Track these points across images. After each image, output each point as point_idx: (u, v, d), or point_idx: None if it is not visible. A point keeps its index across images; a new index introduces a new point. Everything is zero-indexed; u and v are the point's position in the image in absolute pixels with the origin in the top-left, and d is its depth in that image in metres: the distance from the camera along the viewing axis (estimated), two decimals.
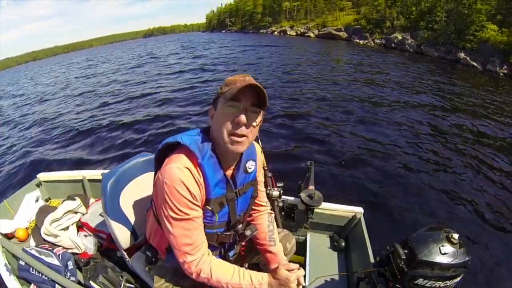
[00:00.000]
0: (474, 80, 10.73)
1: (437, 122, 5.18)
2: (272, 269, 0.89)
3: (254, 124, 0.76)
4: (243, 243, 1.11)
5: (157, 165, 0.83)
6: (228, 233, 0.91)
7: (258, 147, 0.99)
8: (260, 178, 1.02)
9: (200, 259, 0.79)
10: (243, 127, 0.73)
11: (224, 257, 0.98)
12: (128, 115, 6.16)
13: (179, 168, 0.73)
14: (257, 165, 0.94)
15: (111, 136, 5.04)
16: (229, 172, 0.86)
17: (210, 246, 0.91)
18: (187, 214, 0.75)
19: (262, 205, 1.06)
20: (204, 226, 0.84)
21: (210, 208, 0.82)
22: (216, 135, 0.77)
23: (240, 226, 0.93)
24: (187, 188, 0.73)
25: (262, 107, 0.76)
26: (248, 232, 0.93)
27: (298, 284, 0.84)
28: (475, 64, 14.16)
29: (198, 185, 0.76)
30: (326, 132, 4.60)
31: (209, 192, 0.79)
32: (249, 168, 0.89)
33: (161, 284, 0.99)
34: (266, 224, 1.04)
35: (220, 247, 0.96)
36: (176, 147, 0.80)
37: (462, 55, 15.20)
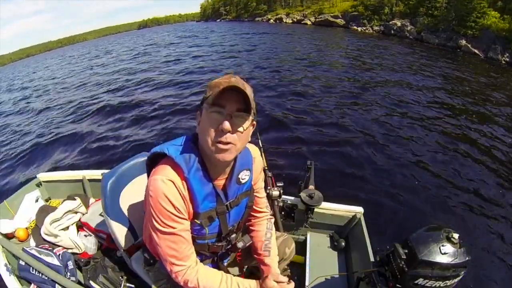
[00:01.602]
0: (476, 68, 10.57)
1: (438, 119, 5.14)
2: (263, 278, 0.89)
3: (241, 129, 0.71)
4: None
5: (148, 171, 0.82)
6: (220, 244, 0.90)
7: (256, 151, 0.94)
8: (259, 184, 0.98)
9: (187, 269, 0.78)
10: (228, 134, 0.69)
11: (217, 265, 0.97)
12: (130, 114, 6.14)
13: (162, 180, 0.71)
14: (253, 173, 0.89)
15: (112, 135, 5.03)
16: (220, 183, 0.82)
17: (203, 255, 0.90)
18: (172, 227, 0.74)
19: (261, 211, 1.03)
20: (195, 237, 0.82)
21: (198, 222, 0.80)
22: (201, 143, 0.74)
23: (233, 235, 0.92)
24: (171, 202, 0.71)
25: (248, 112, 0.71)
26: (240, 244, 0.91)
27: None
28: (476, 51, 13.95)
29: (183, 199, 0.74)
30: (326, 131, 4.59)
31: (197, 206, 0.77)
32: (243, 179, 0.85)
33: (159, 286, 0.99)
34: (263, 231, 1.01)
35: (212, 256, 0.94)
36: (164, 156, 0.77)
37: (463, 42, 15.01)
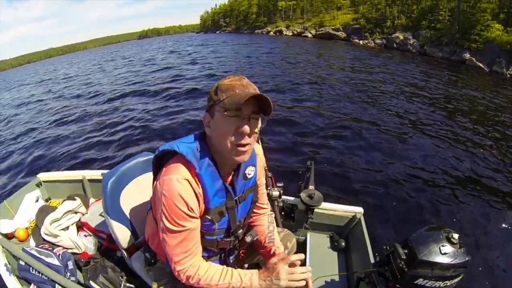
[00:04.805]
0: (481, 82, 10.45)
1: (440, 125, 5.16)
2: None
3: (256, 130, 0.75)
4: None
5: (155, 169, 0.83)
6: (228, 239, 0.91)
7: (259, 148, 0.97)
8: (261, 180, 1.01)
9: (189, 267, 0.79)
10: (246, 137, 0.71)
11: (224, 261, 0.98)
12: (131, 113, 6.15)
13: (178, 180, 0.71)
14: (257, 169, 0.92)
15: (113, 135, 5.04)
16: (227, 179, 0.84)
17: (210, 252, 0.91)
18: (183, 226, 0.74)
19: (262, 207, 1.05)
20: (204, 233, 0.83)
21: (209, 218, 0.81)
22: (218, 146, 0.75)
23: (240, 231, 0.93)
24: (185, 202, 0.72)
25: (266, 114, 0.73)
26: (248, 238, 0.93)
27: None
28: (481, 65, 13.73)
29: (197, 197, 0.75)
30: (326, 132, 4.60)
31: (208, 201, 0.78)
32: (249, 174, 0.87)
33: (159, 286, 0.99)
34: (266, 225, 1.03)
35: (220, 252, 0.95)
36: (173, 154, 0.77)
37: (467, 55, 14.79)
